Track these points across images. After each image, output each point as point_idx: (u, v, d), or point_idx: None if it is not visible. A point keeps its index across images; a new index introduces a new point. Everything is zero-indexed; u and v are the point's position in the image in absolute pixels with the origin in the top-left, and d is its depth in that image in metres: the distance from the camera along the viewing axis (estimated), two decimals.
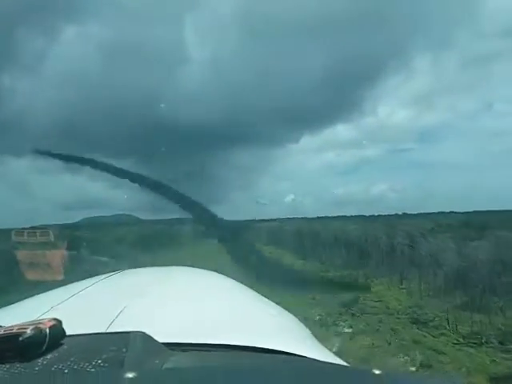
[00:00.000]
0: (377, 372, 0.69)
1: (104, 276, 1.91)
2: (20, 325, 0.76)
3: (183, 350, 0.88)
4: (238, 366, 0.68)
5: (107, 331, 1.01)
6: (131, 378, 0.61)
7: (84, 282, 1.80)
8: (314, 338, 1.35)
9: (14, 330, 0.74)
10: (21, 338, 0.72)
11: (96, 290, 1.64)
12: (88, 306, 1.36)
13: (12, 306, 1.51)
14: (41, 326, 0.75)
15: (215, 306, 1.44)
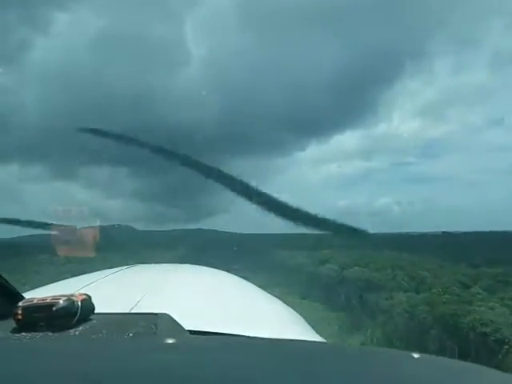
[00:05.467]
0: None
1: (118, 269, 1.96)
2: (53, 296, 0.80)
3: (200, 335, 0.92)
4: (247, 351, 0.71)
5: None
6: (163, 347, 0.65)
7: (102, 272, 1.86)
8: (310, 328, 1.43)
9: (47, 300, 0.78)
10: (54, 308, 0.76)
11: (115, 279, 1.70)
12: (108, 292, 1.40)
13: (32, 291, 1.55)
14: (73, 298, 0.79)
15: (227, 300, 1.52)
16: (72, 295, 0.80)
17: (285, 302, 1.75)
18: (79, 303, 0.79)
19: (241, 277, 2.20)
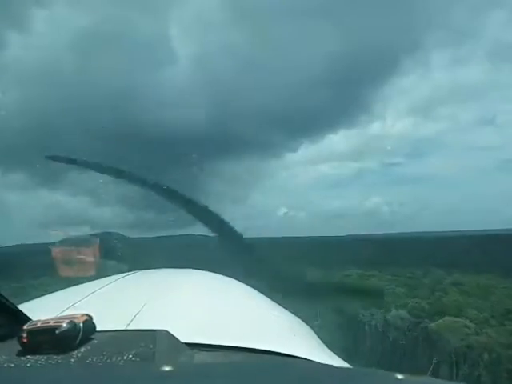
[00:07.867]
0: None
1: (122, 275, 2.01)
2: (56, 318, 0.83)
3: (200, 350, 0.95)
4: (252, 369, 0.72)
5: (129, 328, 1.10)
6: (161, 372, 0.69)
7: (103, 279, 1.90)
8: (322, 343, 1.44)
9: (50, 323, 0.81)
10: (57, 331, 0.79)
11: (116, 288, 1.74)
12: (109, 303, 1.45)
13: (35, 300, 1.61)
14: (75, 320, 0.83)
15: (230, 308, 1.53)
16: (74, 316, 0.84)
17: None
18: (81, 325, 0.83)
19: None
